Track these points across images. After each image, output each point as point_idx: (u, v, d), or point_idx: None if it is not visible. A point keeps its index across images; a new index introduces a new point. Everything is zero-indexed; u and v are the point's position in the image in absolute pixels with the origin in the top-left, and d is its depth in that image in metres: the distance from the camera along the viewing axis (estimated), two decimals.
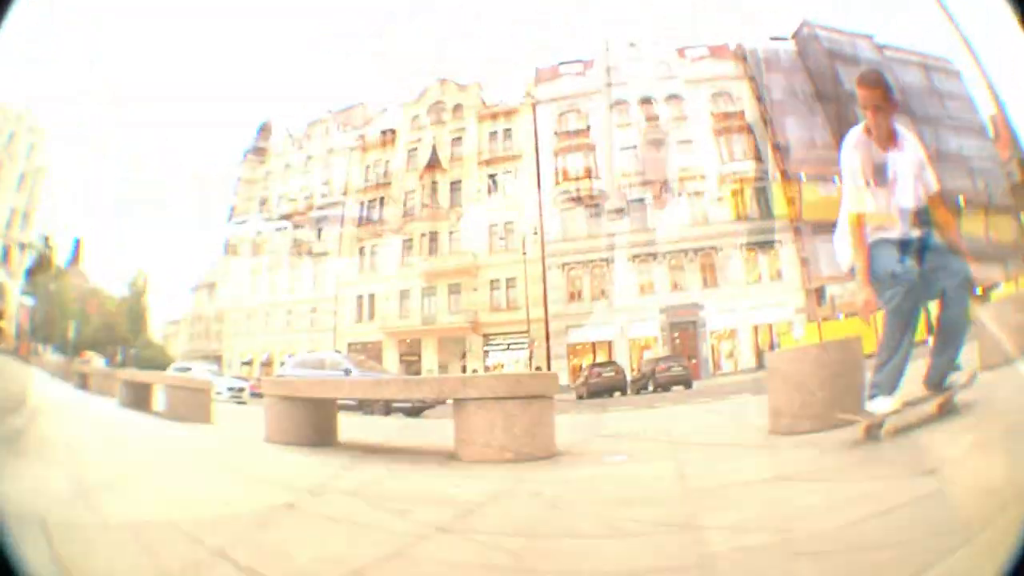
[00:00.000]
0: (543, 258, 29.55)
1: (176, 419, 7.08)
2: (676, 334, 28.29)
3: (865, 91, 2.34)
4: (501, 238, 30.48)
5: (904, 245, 2.70)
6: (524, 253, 28.59)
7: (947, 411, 2.81)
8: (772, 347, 23.01)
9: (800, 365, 3.94)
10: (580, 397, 19.66)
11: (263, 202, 37.46)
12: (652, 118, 30.84)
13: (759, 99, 31.33)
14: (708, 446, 3.54)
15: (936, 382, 2.88)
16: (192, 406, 6.94)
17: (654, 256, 29.23)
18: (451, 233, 31.27)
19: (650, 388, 16.37)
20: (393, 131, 34.98)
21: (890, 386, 2.78)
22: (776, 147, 30.33)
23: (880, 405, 2.75)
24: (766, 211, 29.47)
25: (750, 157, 30.11)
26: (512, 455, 4.05)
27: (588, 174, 30.31)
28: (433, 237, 31.12)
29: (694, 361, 25.78)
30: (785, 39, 33.15)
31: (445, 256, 30.83)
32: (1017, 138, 35.74)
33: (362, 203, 33.80)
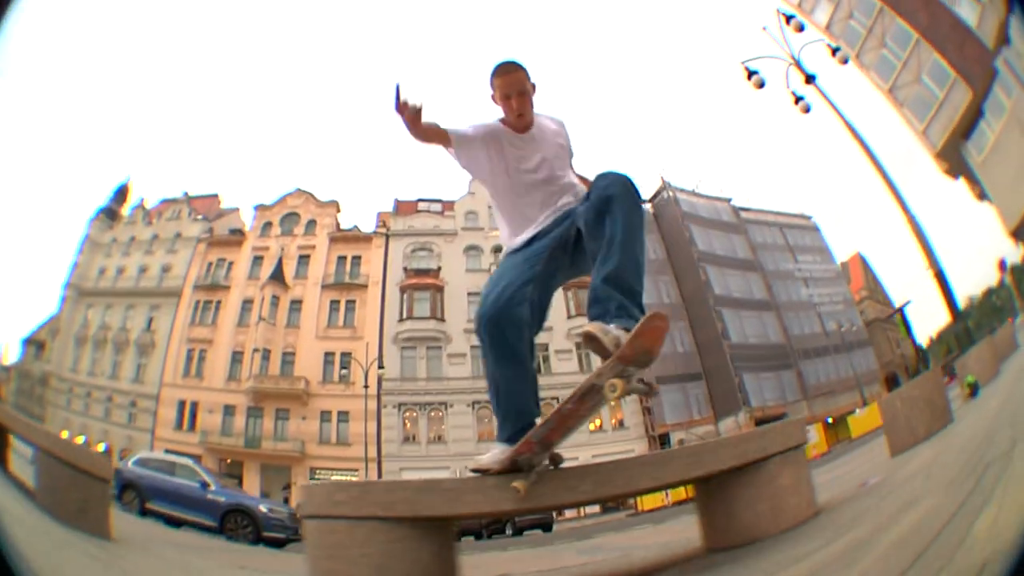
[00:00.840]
0: (379, 396, 29.59)
1: None
2: None
3: (502, 79, 2.43)
4: (342, 368, 30.22)
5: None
6: (366, 387, 28.42)
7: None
8: None
9: None
10: None
11: (103, 271, 35.59)
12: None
13: None
14: None
15: None
16: None
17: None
18: (285, 353, 30.83)
19: (508, 532, 16.34)
20: (243, 232, 34.03)
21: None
22: None
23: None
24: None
25: None
26: None
27: (433, 315, 30.58)
28: (266, 355, 30.52)
29: None
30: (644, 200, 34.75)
31: (276, 378, 30.29)
32: (876, 277, 39.35)
33: (198, 302, 32.73)
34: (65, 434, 32.23)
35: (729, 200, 38.34)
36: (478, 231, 32.44)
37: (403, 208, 33.26)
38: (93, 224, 37.24)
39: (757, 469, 2.55)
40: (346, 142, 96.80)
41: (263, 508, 11.48)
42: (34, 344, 45.81)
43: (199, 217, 34.56)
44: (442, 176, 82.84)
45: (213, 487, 11.24)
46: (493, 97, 2.56)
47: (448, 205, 33.11)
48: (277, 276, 31.58)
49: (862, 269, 42.79)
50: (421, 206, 33.28)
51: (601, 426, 29.66)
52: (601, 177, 2.35)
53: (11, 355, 47.35)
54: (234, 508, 10.92)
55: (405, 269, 31.68)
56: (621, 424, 30.31)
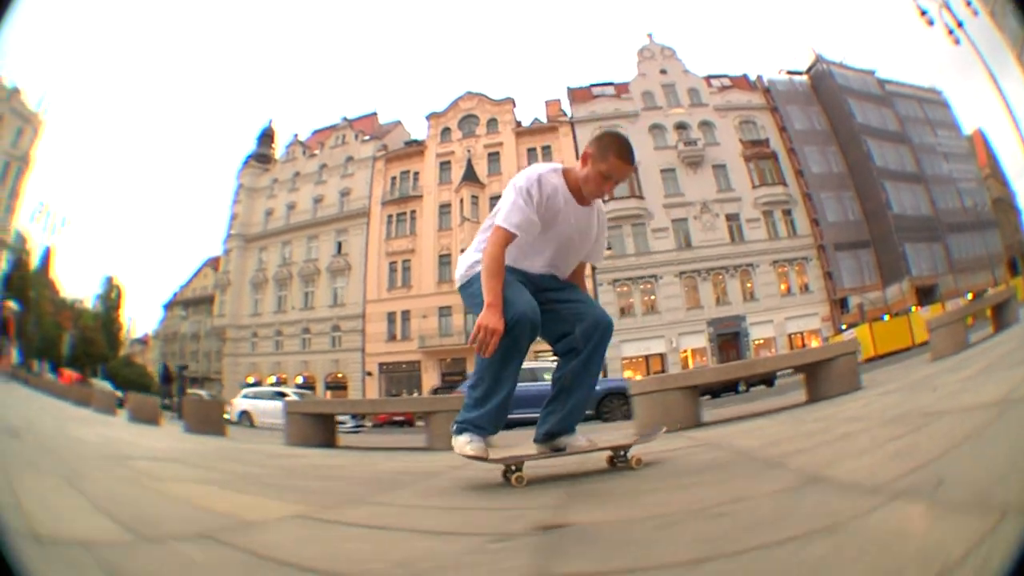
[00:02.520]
0: (594, 273, 29.12)
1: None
2: (721, 344, 29.35)
3: (625, 167, 2.37)
4: None
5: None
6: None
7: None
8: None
9: None
10: None
11: (269, 212, 34.32)
12: (689, 143, 31.57)
13: (782, 129, 33.01)
14: None
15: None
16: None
17: (698, 273, 30.00)
18: None
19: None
20: (419, 143, 33.42)
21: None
22: (799, 173, 32.14)
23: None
24: (792, 231, 31.04)
25: (777, 182, 31.58)
26: None
27: (633, 194, 30.37)
28: None
29: None
30: (800, 73, 35.40)
31: None
32: (996, 156, 40.27)
33: (390, 216, 31.87)
34: (250, 379, 30.78)
35: (873, 72, 38.91)
36: (657, 110, 32.45)
37: (578, 95, 33.07)
38: (243, 173, 35.99)
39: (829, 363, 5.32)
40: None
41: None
42: (181, 304, 43.78)
43: (366, 138, 33.81)
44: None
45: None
46: (592, 160, 2.44)
47: (622, 88, 33.07)
48: (470, 176, 30.99)
49: (983, 147, 43.50)
50: (596, 91, 33.21)
51: (789, 289, 30.00)
52: (597, 309, 2.61)
53: (141, 327, 45.59)
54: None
55: None
56: (806, 288, 30.48)
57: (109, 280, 58.83)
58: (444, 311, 29.66)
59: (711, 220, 30.79)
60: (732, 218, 31.00)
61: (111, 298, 58.78)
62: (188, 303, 58.80)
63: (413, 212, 31.58)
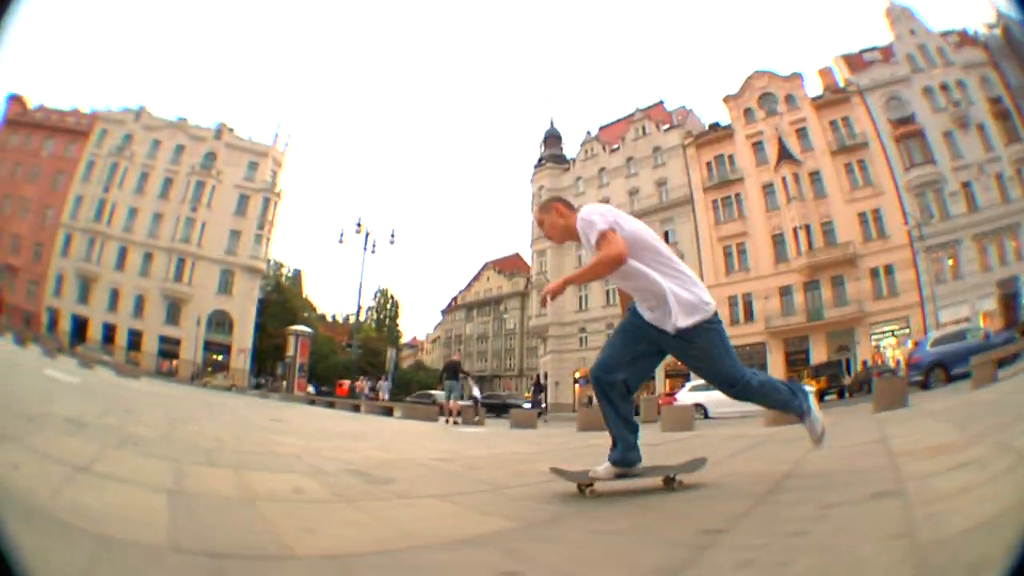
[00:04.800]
0: (911, 243, 31.60)
1: None
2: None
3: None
4: (873, 224, 31.70)
5: None
6: (920, 238, 30.43)
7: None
8: None
9: None
10: None
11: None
12: (953, 103, 34.29)
13: (1007, 85, 36.26)
14: None
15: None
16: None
17: (985, 235, 30.97)
18: (823, 223, 31.95)
19: None
20: (723, 126, 33.82)
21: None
22: None
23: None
24: None
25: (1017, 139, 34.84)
26: None
27: (926, 159, 32.63)
28: (807, 230, 31.60)
29: None
30: (993, 26, 38.32)
31: (824, 248, 31.44)
32: None
33: (715, 200, 32.73)
34: (580, 374, 31.95)
35: None
36: (921, 73, 34.66)
37: (852, 63, 34.42)
38: (537, 176, 34.76)
39: None
40: None
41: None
42: (461, 309, 42.59)
43: (665, 127, 33.71)
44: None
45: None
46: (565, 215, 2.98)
47: (884, 51, 34.72)
48: (786, 154, 32.24)
49: None
50: (866, 56, 34.69)
51: None
52: None
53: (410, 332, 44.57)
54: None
55: (888, 120, 33.54)
56: None
57: (383, 292, 56.41)
58: (785, 290, 31.61)
59: (987, 181, 33.76)
60: (998, 178, 33.90)
61: (386, 308, 55.29)
62: (471, 306, 56.27)
63: (738, 195, 32.56)
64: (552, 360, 33.61)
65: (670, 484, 2.72)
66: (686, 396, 17.16)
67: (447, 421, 13.34)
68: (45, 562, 1.24)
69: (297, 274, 54.64)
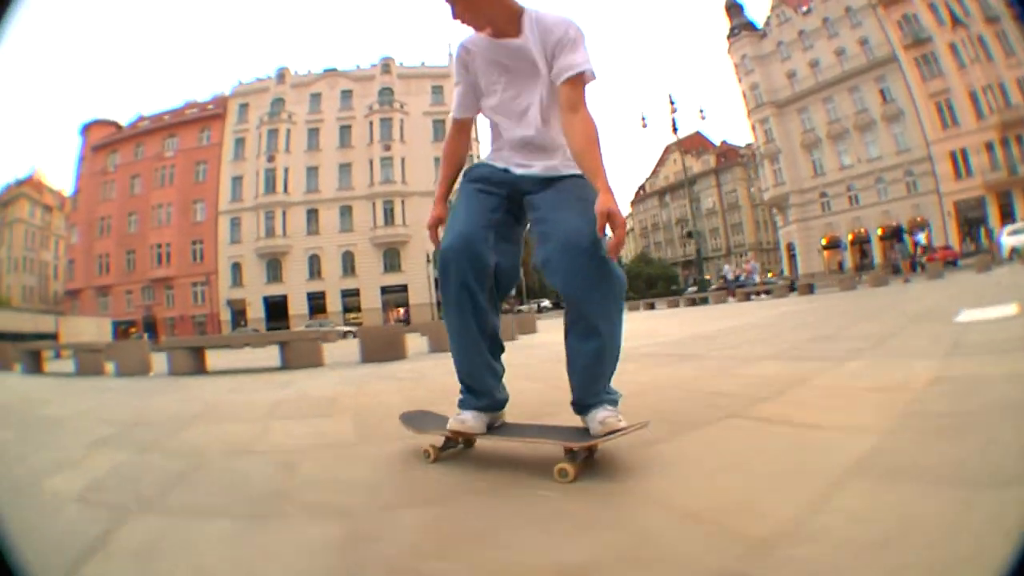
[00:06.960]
0: None
1: None
2: None
3: None
4: None
5: None
6: None
7: None
8: None
9: None
10: None
11: (792, 74, 34.17)
12: None
13: None
14: None
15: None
16: None
17: None
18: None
19: None
20: None
21: None
22: None
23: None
24: None
25: None
26: None
27: None
28: (998, 88, 32.68)
29: None
30: None
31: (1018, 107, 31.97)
32: None
33: (916, 59, 33.68)
34: (825, 240, 32.31)
35: None
36: None
37: None
38: (734, 48, 34.71)
39: None
40: None
41: None
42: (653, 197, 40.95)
43: None
44: None
45: None
46: None
47: None
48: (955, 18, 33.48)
49: None
50: None
51: None
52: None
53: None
54: None
55: None
56: None
57: None
58: (988, 146, 31.65)
59: None
60: None
61: None
62: (662, 192, 53.55)
63: (932, 53, 33.69)
64: (798, 229, 33.47)
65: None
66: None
67: None
68: None
69: None
